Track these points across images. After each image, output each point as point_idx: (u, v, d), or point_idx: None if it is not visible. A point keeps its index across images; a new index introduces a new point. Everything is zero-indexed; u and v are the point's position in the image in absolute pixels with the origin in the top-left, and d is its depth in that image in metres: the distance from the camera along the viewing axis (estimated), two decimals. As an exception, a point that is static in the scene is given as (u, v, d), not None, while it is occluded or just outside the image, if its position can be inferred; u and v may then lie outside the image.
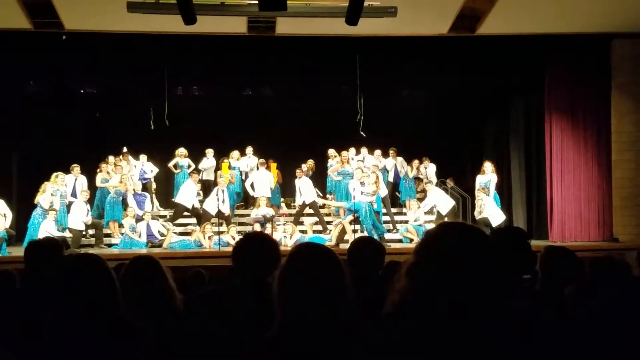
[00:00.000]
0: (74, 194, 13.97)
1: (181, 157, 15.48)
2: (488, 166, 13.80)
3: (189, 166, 15.42)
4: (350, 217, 12.83)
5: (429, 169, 15.61)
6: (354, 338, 2.01)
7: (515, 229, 4.03)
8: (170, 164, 15.60)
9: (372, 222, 12.83)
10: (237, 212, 15.15)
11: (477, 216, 13.44)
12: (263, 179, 14.43)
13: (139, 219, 13.71)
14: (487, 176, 13.71)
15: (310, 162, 14.92)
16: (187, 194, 13.95)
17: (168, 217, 14.42)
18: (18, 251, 11.34)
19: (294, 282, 2.13)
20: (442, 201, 14.12)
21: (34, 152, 15.61)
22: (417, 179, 15.78)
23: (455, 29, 12.70)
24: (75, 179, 14.25)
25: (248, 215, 14.43)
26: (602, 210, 13.82)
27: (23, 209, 14.16)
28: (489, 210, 13.22)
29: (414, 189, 15.62)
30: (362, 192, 12.89)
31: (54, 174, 13.47)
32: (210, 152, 15.51)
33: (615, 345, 2.27)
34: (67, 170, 14.06)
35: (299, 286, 2.11)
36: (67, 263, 2.65)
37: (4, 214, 12.71)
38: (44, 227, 12.52)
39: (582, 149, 13.95)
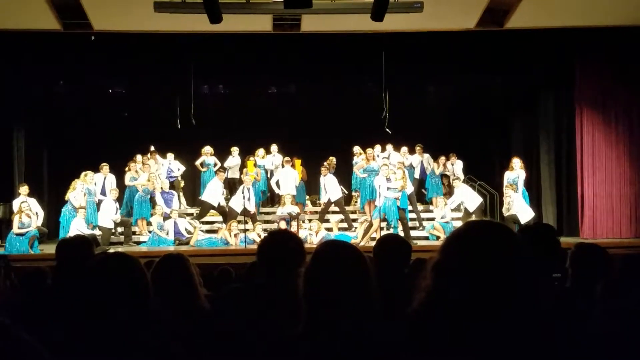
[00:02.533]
0: (103, 192, 14.14)
1: (207, 156, 15.58)
2: (516, 162, 13.68)
3: (215, 164, 15.50)
4: (379, 219, 12.78)
5: (456, 166, 15.49)
6: (379, 336, 2.01)
7: (544, 225, 3.99)
8: (197, 162, 15.70)
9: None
10: (263, 209, 15.20)
11: (505, 213, 13.33)
12: (288, 177, 14.45)
13: (166, 217, 13.83)
14: (515, 172, 13.59)
15: (332, 159, 14.88)
16: (213, 192, 14.04)
17: (195, 215, 14.55)
18: (50, 249, 11.49)
19: (320, 280, 2.13)
20: (469, 198, 14.02)
21: (64, 151, 15.80)
22: (444, 176, 15.70)
23: (482, 23, 12.58)
24: (104, 178, 14.42)
25: (273, 213, 14.47)
26: (635, 206, 13.64)
27: (54, 207, 14.39)
28: (518, 207, 13.10)
29: (441, 186, 15.55)
30: (388, 188, 12.85)
31: (84, 173, 13.66)
32: (235, 150, 15.57)
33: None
34: (96, 169, 14.24)
35: (324, 283, 2.11)
36: (101, 261, 2.68)
37: (36, 213, 12.91)
38: (75, 225, 12.71)
39: (614, 144, 13.77)
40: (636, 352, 2.15)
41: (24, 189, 13.11)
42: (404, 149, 15.56)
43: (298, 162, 15.16)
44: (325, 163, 14.60)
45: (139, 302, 2.52)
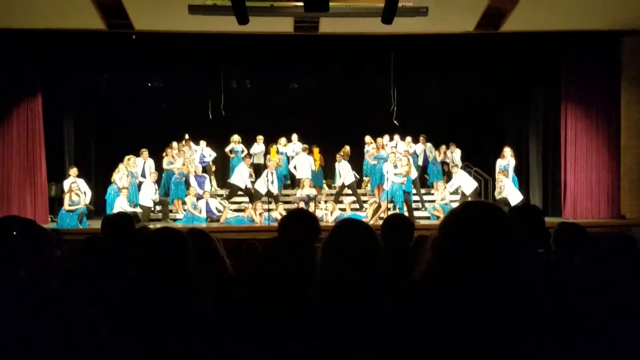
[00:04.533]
0: (143, 175, 14.25)
1: (236, 143, 15.58)
2: (507, 151, 13.68)
3: (243, 151, 15.53)
4: (387, 201, 12.78)
5: (455, 154, 15.46)
6: (386, 301, 2.04)
7: (531, 207, 3.99)
8: (227, 149, 15.71)
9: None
10: (284, 192, 15.23)
11: (497, 196, 13.31)
12: (304, 162, 14.47)
13: (199, 198, 13.89)
14: (507, 160, 13.58)
15: (346, 147, 14.88)
16: (240, 175, 14.08)
17: (224, 196, 14.62)
18: (97, 224, 11.58)
19: (335, 252, 2.17)
20: (466, 183, 14.01)
21: (109, 138, 15.89)
22: (444, 163, 15.66)
23: (480, 26, 12.51)
24: (144, 162, 14.51)
25: (294, 195, 14.51)
26: (611, 191, 13.57)
27: (100, 187, 14.50)
28: (508, 190, 13.09)
29: (442, 172, 15.52)
30: (395, 174, 12.86)
31: (127, 157, 13.76)
32: (260, 138, 15.59)
33: (617, 305, 2.24)
34: (137, 154, 14.33)
35: (340, 255, 2.15)
36: (155, 233, 2.77)
37: (84, 192, 13.02)
38: (118, 204, 12.81)
39: (594, 136, 13.68)
40: (607, 310, 2.16)
41: (73, 171, 13.22)
42: (409, 138, 15.52)
43: (316, 149, 15.14)
44: (341, 151, 14.60)
45: (184, 269, 2.59)
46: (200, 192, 14.07)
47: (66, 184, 13.10)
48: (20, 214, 12.36)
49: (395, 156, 13.29)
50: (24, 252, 2.39)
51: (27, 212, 12.70)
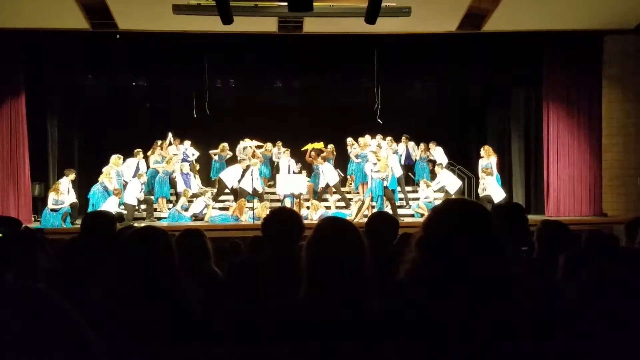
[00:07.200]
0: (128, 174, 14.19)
1: (225, 152, 15.39)
2: (483, 151, 13.82)
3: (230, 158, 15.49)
4: (370, 196, 12.80)
5: (436, 152, 15.51)
6: (372, 300, 2.04)
7: (514, 205, 4.01)
8: (215, 156, 15.40)
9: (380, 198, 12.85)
10: (267, 190, 15.19)
11: (481, 194, 13.40)
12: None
13: (195, 195, 13.80)
14: (488, 159, 13.69)
15: (331, 146, 14.88)
16: (231, 175, 14.00)
17: (211, 193, 14.57)
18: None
19: (321, 250, 2.16)
20: (450, 181, 14.07)
21: (93, 138, 15.76)
22: (430, 161, 15.71)
23: (462, 26, 12.57)
24: (138, 162, 14.42)
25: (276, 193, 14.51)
26: (593, 189, 13.69)
27: (84, 186, 14.38)
28: (491, 188, 13.17)
29: (427, 171, 15.57)
30: (373, 172, 12.91)
31: (117, 156, 13.67)
32: (241, 143, 15.49)
33: (601, 302, 2.26)
34: (122, 153, 14.20)
35: (324, 254, 2.14)
36: (137, 232, 2.75)
37: (68, 189, 12.90)
38: (108, 204, 12.65)
39: (575, 134, 13.80)
40: (590, 309, 2.19)
41: (72, 175, 13.10)
42: (389, 138, 15.53)
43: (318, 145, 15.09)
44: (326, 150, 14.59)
45: (167, 269, 2.57)
46: (193, 189, 14.00)
47: (63, 183, 12.92)
48: (3, 214, 12.27)
49: (374, 155, 13.39)
50: (11, 254, 2.37)
51: (11, 212, 12.55)
